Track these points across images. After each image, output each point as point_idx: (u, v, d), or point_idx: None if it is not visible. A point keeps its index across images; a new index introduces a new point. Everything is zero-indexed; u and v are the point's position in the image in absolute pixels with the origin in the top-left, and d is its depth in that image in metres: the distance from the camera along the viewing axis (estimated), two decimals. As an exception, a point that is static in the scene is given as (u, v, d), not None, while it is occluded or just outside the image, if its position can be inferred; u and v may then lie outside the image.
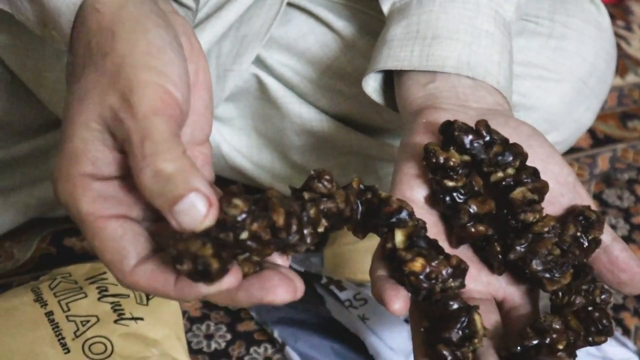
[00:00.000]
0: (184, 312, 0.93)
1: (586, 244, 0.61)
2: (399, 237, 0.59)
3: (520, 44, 0.89)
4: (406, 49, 0.72)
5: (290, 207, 0.52)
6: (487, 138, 0.62)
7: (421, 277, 0.57)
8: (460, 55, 0.71)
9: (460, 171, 0.61)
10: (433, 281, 0.58)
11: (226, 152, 0.99)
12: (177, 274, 0.50)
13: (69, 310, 0.80)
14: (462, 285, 0.59)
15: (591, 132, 1.25)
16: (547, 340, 0.57)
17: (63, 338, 0.78)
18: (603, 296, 0.60)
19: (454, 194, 0.62)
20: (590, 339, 0.58)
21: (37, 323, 0.79)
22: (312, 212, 0.53)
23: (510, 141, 0.63)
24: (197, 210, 0.48)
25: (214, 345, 0.92)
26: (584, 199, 0.64)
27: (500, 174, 0.62)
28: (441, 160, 0.61)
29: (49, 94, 0.83)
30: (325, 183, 0.55)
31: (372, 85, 0.76)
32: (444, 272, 0.58)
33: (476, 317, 0.57)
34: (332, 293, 0.93)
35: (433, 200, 0.63)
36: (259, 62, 0.94)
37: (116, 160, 0.52)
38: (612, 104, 1.33)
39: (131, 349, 0.78)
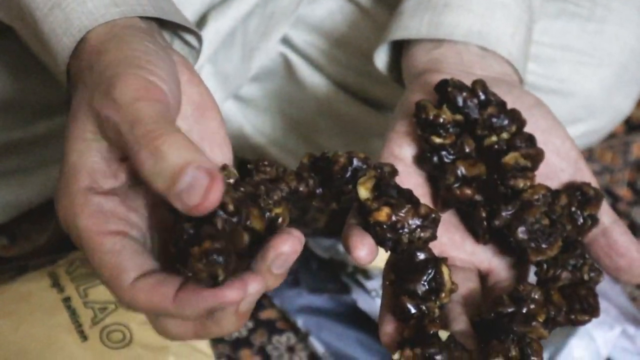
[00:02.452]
0: (205, 299, 0.91)
1: (581, 220, 0.58)
2: (362, 190, 0.56)
3: (558, 27, 0.86)
4: (416, 18, 0.69)
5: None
6: (482, 97, 0.59)
7: (386, 227, 0.55)
8: (472, 25, 0.68)
9: (450, 130, 0.59)
10: (400, 231, 0.55)
11: (249, 134, 0.98)
12: (176, 287, 0.48)
13: (86, 296, 0.79)
14: (433, 237, 0.56)
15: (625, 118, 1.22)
16: (524, 310, 0.54)
17: (80, 325, 0.77)
18: (592, 274, 0.57)
19: (442, 153, 0.59)
20: (572, 316, 0.55)
21: (53, 309, 0.78)
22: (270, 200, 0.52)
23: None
24: (199, 184, 0.46)
25: (235, 334, 0.90)
26: (586, 176, 0.60)
27: (493, 138, 0.59)
28: (431, 116, 0.58)
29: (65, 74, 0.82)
30: (268, 169, 0.54)
31: (382, 60, 0.73)
32: (411, 222, 0.55)
33: (444, 269, 0.55)
34: (358, 282, 0.91)
35: (421, 159, 0.60)
36: (286, 42, 0.93)
37: (115, 170, 0.51)
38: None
39: (151, 338, 0.77)
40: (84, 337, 0.76)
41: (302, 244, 0.51)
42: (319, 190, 0.56)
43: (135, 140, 0.48)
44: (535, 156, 0.58)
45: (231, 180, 0.52)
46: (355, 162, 0.56)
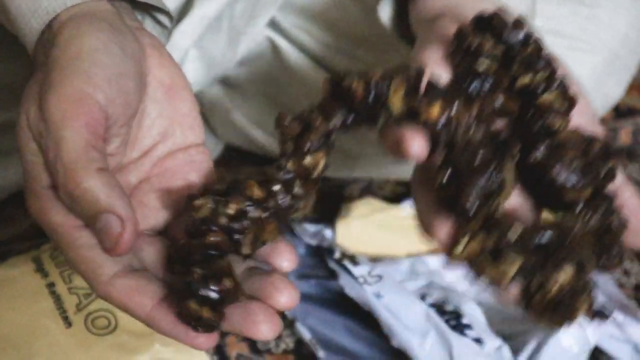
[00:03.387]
0: (191, 285, 0.90)
1: (604, 171, 0.56)
2: (396, 102, 0.52)
3: (549, 11, 0.85)
4: None
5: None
6: (523, 36, 0.56)
7: (439, 125, 0.52)
8: None
9: (490, 61, 0.56)
10: (453, 130, 0.52)
11: (237, 119, 0.97)
12: (155, 300, 0.49)
13: (71, 282, 0.78)
14: (488, 133, 0.53)
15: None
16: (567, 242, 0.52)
17: (65, 311, 0.76)
18: (619, 222, 0.55)
19: (483, 82, 0.56)
20: (599, 263, 0.54)
21: (37, 295, 0.77)
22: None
23: None
24: (110, 232, 0.47)
25: (221, 320, 0.90)
26: (602, 133, 0.59)
27: (528, 78, 0.56)
28: (474, 43, 0.56)
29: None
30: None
31: (387, 13, 0.69)
32: (464, 119, 0.52)
33: (508, 166, 0.52)
34: (345, 268, 0.91)
35: (455, 88, 0.57)
36: (274, 25, 0.92)
37: None
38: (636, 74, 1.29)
39: (136, 324, 0.75)
40: (68, 323, 0.75)
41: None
42: (349, 120, 0.54)
43: (56, 175, 0.48)
44: (571, 100, 0.57)
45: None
46: (374, 85, 0.52)
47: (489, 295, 0.95)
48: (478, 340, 0.85)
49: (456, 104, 0.52)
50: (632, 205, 0.57)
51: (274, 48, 0.93)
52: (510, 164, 0.53)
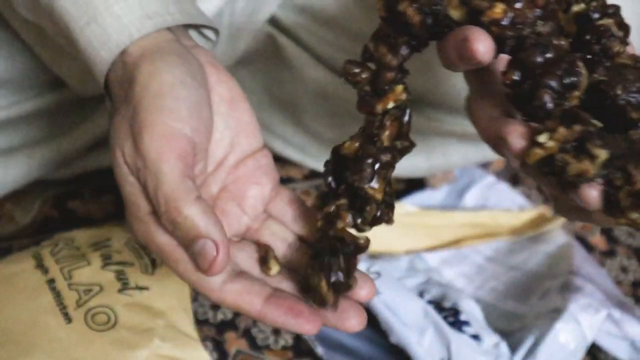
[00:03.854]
0: (190, 281, 0.91)
1: None
2: (453, 10, 0.51)
3: None
4: None
5: None
6: None
7: (504, 23, 0.50)
8: None
9: None
10: (520, 27, 0.51)
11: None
12: (263, 298, 0.56)
13: (71, 278, 0.78)
14: (555, 31, 0.52)
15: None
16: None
17: (65, 307, 0.76)
18: None
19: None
20: None
21: (37, 291, 0.77)
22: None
23: None
24: (206, 255, 0.54)
25: (220, 316, 0.90)
26: None
27: (583, 5, 0.56)
28: None
29: (51, 54, 0.81)
30: None
31: None
32: (530, 14, 0.51)
33: (580, 62, 0.51)
34: (343, 265, 0.90)
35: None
36: (274, 22, 0.92)
37: None
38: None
39: (135, 320, 0.76)
40: (68, 319, 0.75)
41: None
42: (415, 45, 0.54)
43: (158, 205, 0.54)
44: (627, 27, 0.56)
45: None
46: (428, 6, 0.52)
47: (487, 292, 0.96)
48: (476, 337, 0.86)
49: (523, 1, 0.51)
50: None
51: (275, 45, 0.93)
52: (581, 61, 0.52)
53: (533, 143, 0.51)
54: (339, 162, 0.58)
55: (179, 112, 0.56)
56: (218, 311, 0.90)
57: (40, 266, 0.79)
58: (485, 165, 1.11)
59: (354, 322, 0.57)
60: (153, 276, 0.79)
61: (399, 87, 0.56)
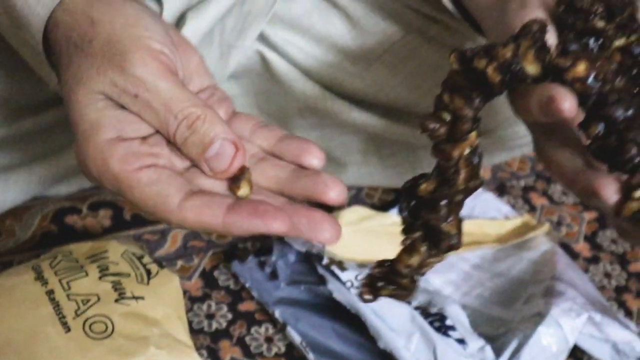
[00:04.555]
0: (185, 292, 0.92)
1: None
2: (529, 66, 0.53)
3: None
4: None
5: None
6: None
7: (589, 82, 0.52)
8: None
9: (603, 20, 0.57)
10: (601, 84, 0.52)
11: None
12: (225, 208, 0.54)
13: (69, 289, 0.80)
14: (632, 82, 0.54)
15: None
16: None
17: (64, 317, 0.77)
18: None
19: (599, 39, 0.56)
20: None
21: (37, 302, 0.78)
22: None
23: None
24: (225, 152, 0.56)
25: (215, 325, 0.92)
26: None
27: (623, 40, 0.57)
28: (586, 4, 0.56)
29: (48, 72, 0.83)
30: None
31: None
32: (609, 71, 0.52)
33: None
34: (333, 273, 0.92)
35: (568, 47, 0.56)
36: (263, 39, 0.93)
37: (134, 120, 0.58)
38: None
39: (132, 329, 0.78)
40: (67, 328, 0.77)
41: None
42: (488, 97, 0.56)
43: (175, 120, 0.56)
44: None
45: None
46: (507, 66, 0.54)
47: (473, 298, 0.97)
48: (461, 341, 0.87)
49: (602, 58, 0.52)
50: None
51: (264, 61, 0.94)
52: None
53: (628, 197, 0.53)
54: (413, 199, 0.60)
55: (155, 36, 0.58)
56: (213, 320, 0.92)
57: (40, 278, 0.80)
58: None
59: (328, 234, 0.55)
60: (148, 286, 0.81)
61: (474, 134, 0.57)
